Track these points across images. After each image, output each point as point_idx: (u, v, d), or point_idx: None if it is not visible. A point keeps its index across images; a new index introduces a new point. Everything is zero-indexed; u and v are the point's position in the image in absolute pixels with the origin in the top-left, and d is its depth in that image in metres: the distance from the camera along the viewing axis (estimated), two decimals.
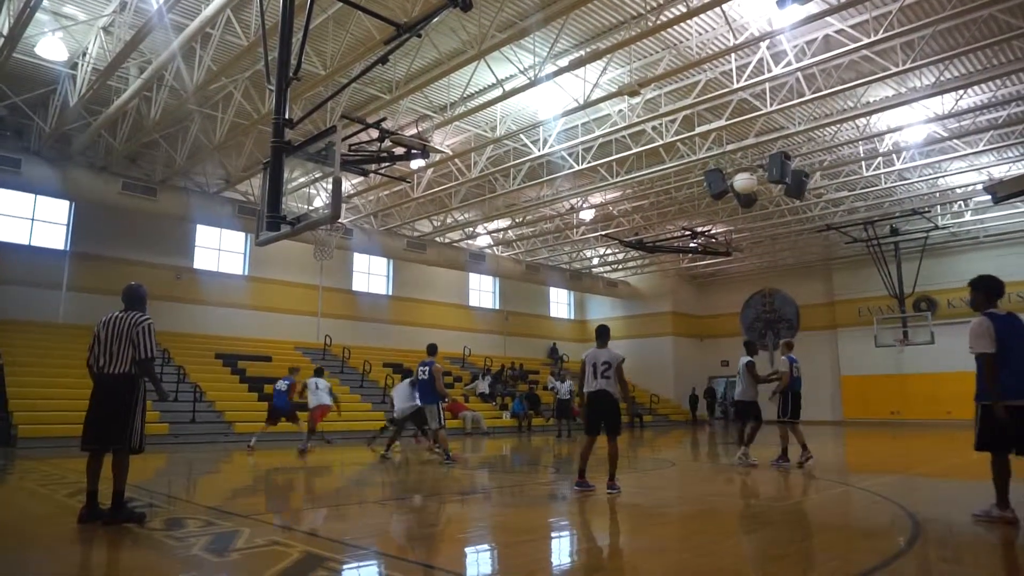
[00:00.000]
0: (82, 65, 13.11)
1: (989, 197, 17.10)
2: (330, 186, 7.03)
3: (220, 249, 22.76)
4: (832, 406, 28.61)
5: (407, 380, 12.49)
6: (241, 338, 21.90)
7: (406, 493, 8.64)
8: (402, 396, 12.17)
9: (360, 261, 26.31)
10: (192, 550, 4.78)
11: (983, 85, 13.74)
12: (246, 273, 23.22)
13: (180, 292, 20.90)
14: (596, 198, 21.64)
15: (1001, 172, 18.33)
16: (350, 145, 12.85)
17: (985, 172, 18.65)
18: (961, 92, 13.89)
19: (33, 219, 18.98)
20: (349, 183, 19.37)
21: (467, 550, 5.33)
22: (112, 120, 14.55)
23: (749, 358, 10.98)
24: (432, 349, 11.56)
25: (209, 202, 18.88)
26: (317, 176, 17.85)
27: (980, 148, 16.53)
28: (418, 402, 11.59)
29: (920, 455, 13.82)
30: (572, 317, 35.26)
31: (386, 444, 12.48)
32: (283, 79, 6.65)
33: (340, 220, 19.82)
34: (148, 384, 5.77)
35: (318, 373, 13.88)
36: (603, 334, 7.74)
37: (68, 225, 19.47)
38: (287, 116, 6.65)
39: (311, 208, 19.46)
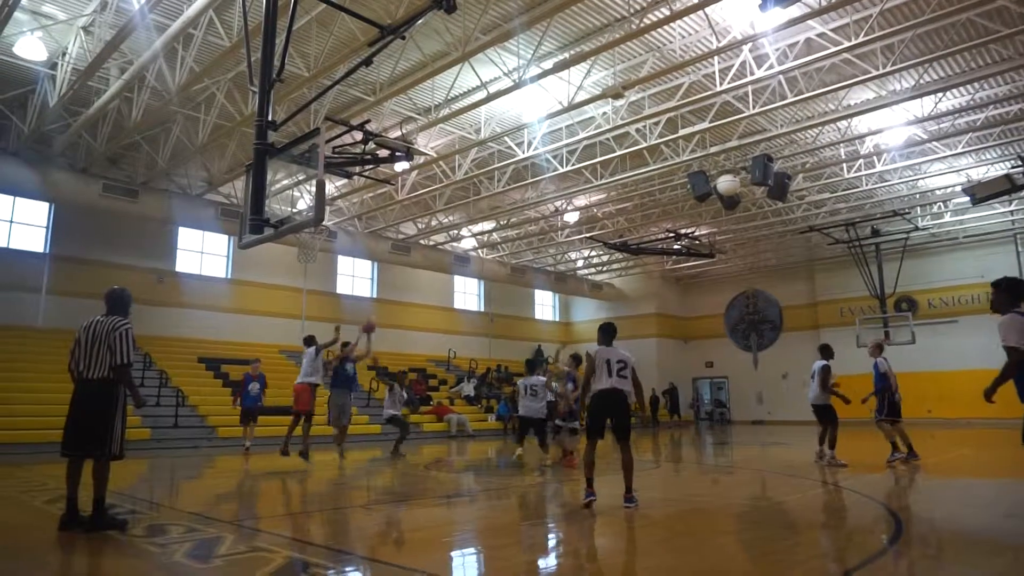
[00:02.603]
0: (62, 65, 12.93)
1: (968, 198, 17.43)
2: (314, 188, 7.00)
3: (203, 252, 22.55)
4: None
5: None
6: (224, 341, 21.69)
7: (391, 497, 8.61)
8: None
9: (344, 263, 26.17)
10: (174, 557, 4.74)
11: (962, 88, 13.92)
12: (229, 276, 23.02)
13: (162, 295, 20.67)
14: (580, 200, 21.67)
15: (980, 174, 18.58)
16: (334, 147, 12.76)
17: (964, 174, 18.90)
18: (940, 95, 14.07)
19: (12, 221, 18.68)
20: (333, 185, 19.27)
21: (452, 554, 5.33)
22: (93, 121, 14.37)
23: (824, 362, 10.81)
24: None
25: (191, 204, 18.69)
26: (301, 178, 17.74)
27: (959, 150, 16.73)
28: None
29: None
30: (557, 319, 35.31)
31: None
32: (266, 81, 6.61)
33: (324, 223, 19.69)
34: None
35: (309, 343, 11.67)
36: (610, 331, 7.10)
37: (48, 227, 19.18)
38: (270, 118, 6.59)
39: (295, 210, 19.32)
